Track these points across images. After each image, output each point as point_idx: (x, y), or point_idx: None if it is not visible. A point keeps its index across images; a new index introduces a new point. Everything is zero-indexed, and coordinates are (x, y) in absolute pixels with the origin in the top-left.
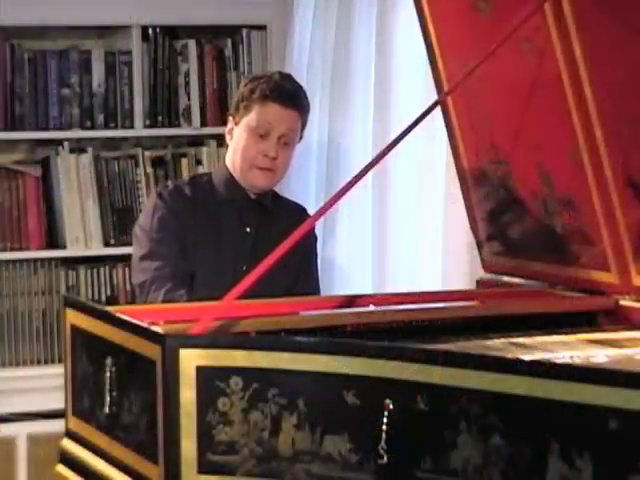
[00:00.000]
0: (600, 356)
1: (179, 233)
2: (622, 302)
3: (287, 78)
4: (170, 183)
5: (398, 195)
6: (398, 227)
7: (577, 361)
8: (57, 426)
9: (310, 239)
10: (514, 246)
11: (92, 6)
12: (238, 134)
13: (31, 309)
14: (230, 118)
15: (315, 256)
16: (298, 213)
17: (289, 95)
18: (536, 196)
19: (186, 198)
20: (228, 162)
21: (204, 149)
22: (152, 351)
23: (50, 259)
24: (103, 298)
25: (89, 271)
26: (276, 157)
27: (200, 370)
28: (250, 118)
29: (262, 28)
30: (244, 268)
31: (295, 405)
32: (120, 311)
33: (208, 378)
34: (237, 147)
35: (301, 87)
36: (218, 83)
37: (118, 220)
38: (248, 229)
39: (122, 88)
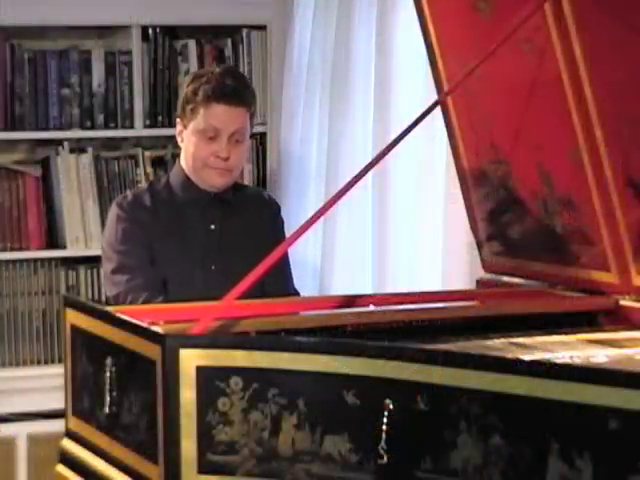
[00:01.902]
0: (600, 356)
1: (145, 243)
2: (622, 302)
3: (228, 72)
4: (129, 193)
5: (398, 195)
6: (398, 227)
7: (577, 361)
8: (57, 426)
9: (276, 225)
10: (514, 246)
11: (92, 6)
12: (187, 137)
13: (31, 309)
14: (178, 120)
15: (283, 227)
16: (261, 201)
17: (232, 92)
18: (536, 196)
19: (146, 208)
20: (183, 164)
21: None
22: (152, 351)
23: (50, 259)
24: (103, 298)
25: (89, 271)
26: (228, 157)
27: (200, 370)
28: (197, 122)
29: (262, 28)
30: (213, 267)
31: (295, 405)
32: (120, 311)
33: (208, 378)
34: (188, 150)
35: (243, 78)
36: None
37: None
38: (212, 226)
39: (122, 88)
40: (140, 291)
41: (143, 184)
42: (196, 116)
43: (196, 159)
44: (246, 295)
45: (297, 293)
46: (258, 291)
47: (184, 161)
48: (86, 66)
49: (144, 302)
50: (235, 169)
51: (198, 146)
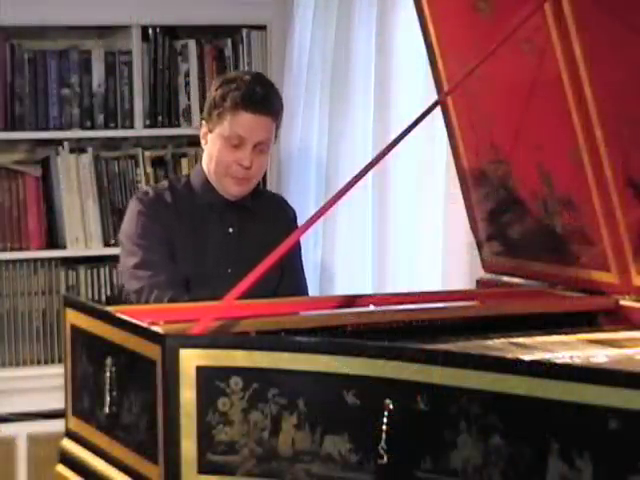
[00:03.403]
0: (600, 356)
1: (165, 240)
2: (622, 302)
3: (258, 80)
4: (150, 190)
5: (398, 195)
6: (398, 227)
7: (577, 361)
8: (57, 426)
9: (291, 230)
10: (514, 246)
11: (92, 6)
12: (212, 141)
13: (31, 309)
14: (203, 122)
15: (298, 249)
16: (278, 206)
17: (261, 101)
18: (536, 196)
19: (168, 205)
20: (204, 166)
21: None
22: (152, 351)
23: (50, 259)
24: (103, 298)
25: (89, 271)
26: (250, 166)
27: (200, 370)
28: (223, 127)
29: (262, 28)
30: (229, 270)
31: (295, 405)
32: (120, 311)
33: (208, 378)
34: (212, 154)
35: (272, 87)
36: None
37: (118, 220)
38: (231, 229)
39: (122, 88)
40: (165, 289)
41: (163, 182)
42: (222, 122)
43: (219, 165)
44: (261, 293)
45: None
46: (270, 293)
47: (205, 164)
48: (86, 66)
49: (170, 300)
50: (255, 178)
51: (222, 152)
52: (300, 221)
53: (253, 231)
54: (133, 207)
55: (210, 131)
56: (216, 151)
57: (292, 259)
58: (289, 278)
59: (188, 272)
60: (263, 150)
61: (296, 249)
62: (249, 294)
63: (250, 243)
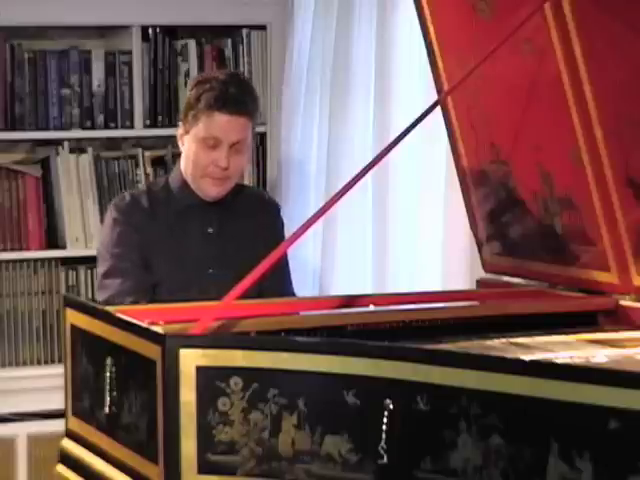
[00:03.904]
0: (600, 356)
1: (140, 246)
2: (622, 302)
3: (233, 80)
4: (127, 195)
5: (398, 195)
6: (398, 227)
7: (577, 361)
8: (57, 426)
9: (275, 226)
10: (514, 246)
11: (92, 6)
12: (188, 142)
13: (31, 309)
14: (180, 123)
15: (282, 228)
16: (259, 202)
17: (235, 102)
18: (536, 196)
19: (143, 210)
20: (182, 168)
21: None
22: (152, 351)
23: (50, 259)
24: None
25: (89, 271)
26: (227, 167)
27: (200, 370)
28: (198, 129)
29: (262, 28)
30: (210, 271)
31: (295, 405)
32: (120, 311)
33: (208, 378)
34: (188, 155)
35: (248, 86)
36: None
37: None
38: (210, 229)
39: (122, 88)
40: (128, 295)
41: (142, 185)
42: (197, 123)
43: (196, 166)
44: (243, 297)
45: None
46: (255, 292)
47: (183, 166)
48: (86, 66)
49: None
50: (232, 178)
51: (198, 153)
52: (299, 222)
53: (233, 230)
54: (109, 214)
55: (186, 132)
56: (192, 153)
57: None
58: (274, 273)
59: (168, 275)
60: (240, 150)
61: (284, 238)
62: (232, 287)
63: (231, 242)
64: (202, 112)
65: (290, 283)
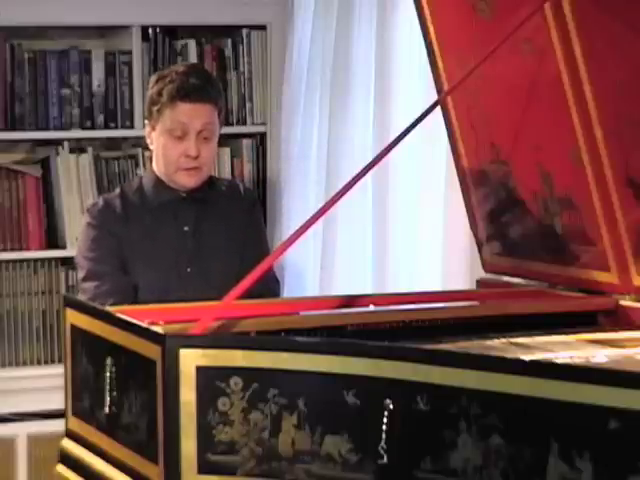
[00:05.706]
0: (600, 356)
1: (115, 249)
2: (622, 302)
3: (193, 70)
4: (100, 199)
5: (398, 195)
6: (398, 227)
7: (577, 361)
8: (57, 426)
9: (252, 218)
10: (514, 246)
11: (92, 6)
12: (156, 138)
13: (31, 309)
14: (146, 122)
15: (259, 219)
16: (234, 194)
17: (196, 90)
18: (536, 196)
19: (116, 214)
20: (154, 166)
21: None
22: (152, 351)
23: (50, 259)
24: None
25: None
26: (198, 155)
27: (200, 370)
28: (164, 122)
29: (262, 28)
30: (189, 270)
31: (295, 405)
32: (120, 311)
33: (208, 378)
34: (158, 151)
35: (209, 76)
36: None
37: None
38: (186, 228)
39: (122, 88)
40: (107, 297)
41: (116, 189)
42: (162, 117)
43: (167, 160)
44: (225, 287)
45: (276, 279)
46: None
47: (155, 163)
48: (86, 66)
49: None
50: (205, 166)
51: (167, 147)
52: (299, 221)
53: (210, 226)
54: (84, 220)
55: (153, 129)
56: (162, 147)
57: (254, 232)
58: (253, 251)
59: (147, 277)
60: (208, 137)
61: (256, 222)
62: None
63: (208, 239)
64: (165, 105)
65: (267, 249)
